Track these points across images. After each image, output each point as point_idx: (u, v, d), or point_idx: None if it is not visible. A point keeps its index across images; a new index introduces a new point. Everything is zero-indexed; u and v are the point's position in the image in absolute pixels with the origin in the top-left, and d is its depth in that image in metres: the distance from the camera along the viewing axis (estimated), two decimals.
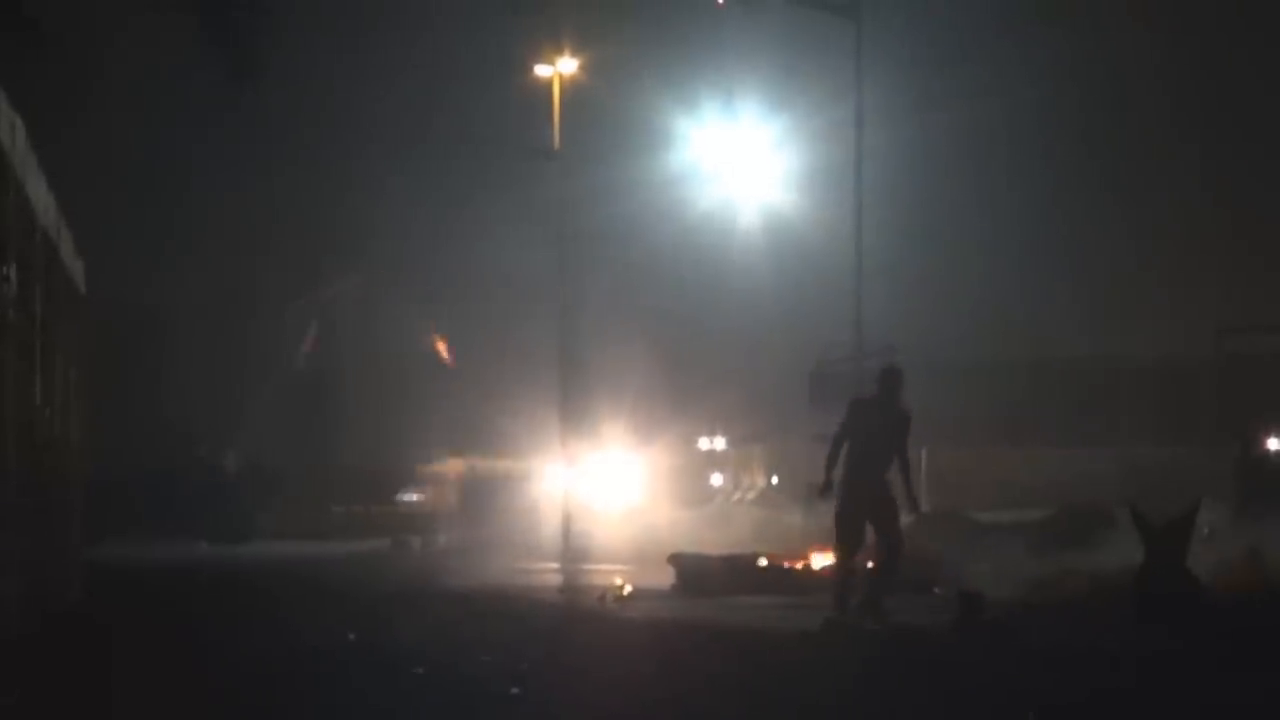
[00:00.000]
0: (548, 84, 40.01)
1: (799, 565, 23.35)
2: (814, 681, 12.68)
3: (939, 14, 45.77)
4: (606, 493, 38.18)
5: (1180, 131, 45.30)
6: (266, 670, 12.65)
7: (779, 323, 43.88)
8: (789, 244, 41.31)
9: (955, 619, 16.47)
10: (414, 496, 42.94)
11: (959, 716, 11.03)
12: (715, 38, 41.73)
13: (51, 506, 16.01)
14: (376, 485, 45.28)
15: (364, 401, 48.30)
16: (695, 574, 22.72)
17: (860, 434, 16.79)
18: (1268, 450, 28.34)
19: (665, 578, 22.94)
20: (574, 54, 40.03)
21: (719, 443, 51.08)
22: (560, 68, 39.81)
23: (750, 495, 50.62)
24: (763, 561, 23.55)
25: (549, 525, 35.69)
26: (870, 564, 19.44)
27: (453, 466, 42.16)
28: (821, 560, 23.49)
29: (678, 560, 23.30)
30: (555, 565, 30.65)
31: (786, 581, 22.45)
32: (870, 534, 16.89)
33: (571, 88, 40.07)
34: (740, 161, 40.90)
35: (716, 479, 51.07)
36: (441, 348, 41.29)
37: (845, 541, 16.84)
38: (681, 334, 45.66)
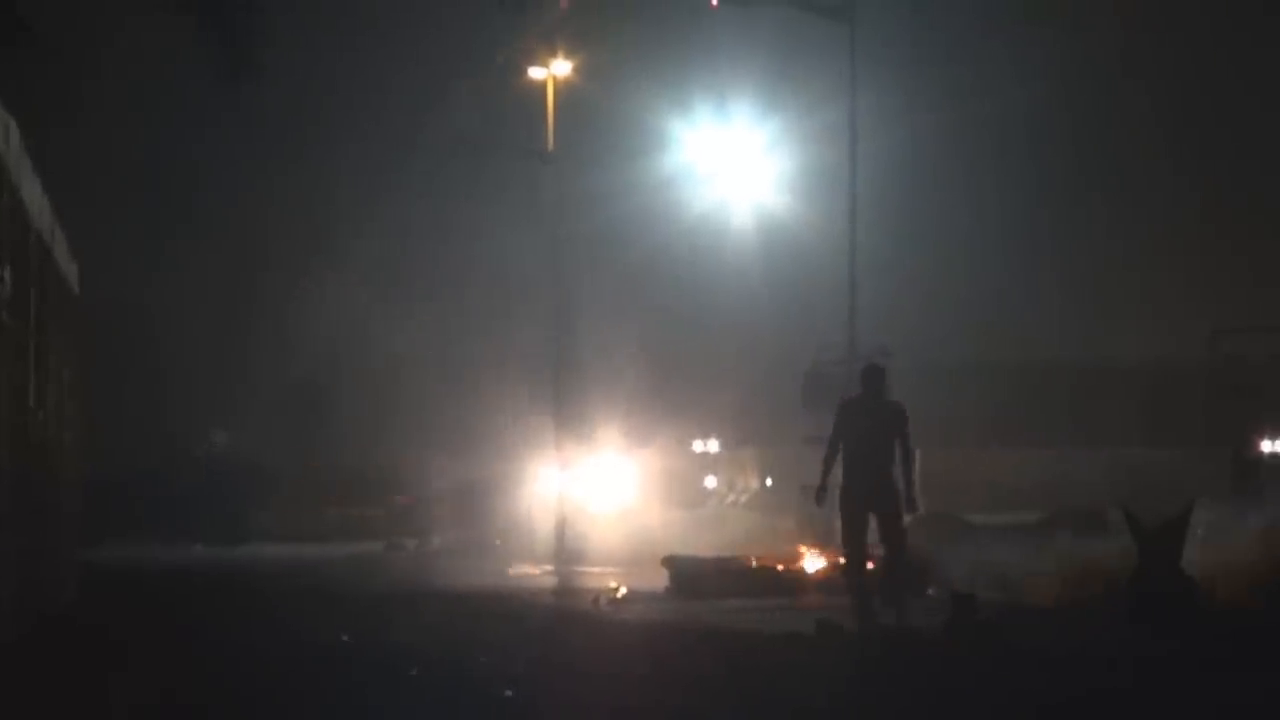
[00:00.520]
0: (542, 86, 40.01)
1: (792, 568, 23.35)
2: (807, 683, 12.68)
3: (932, 16, 45.79)
4: (600, 495, 38.14)
5: (1170, 132, 45.36)
6: (261, 671, 12.65)
7: (773, 325, 43.88)
8: (782, 246, 41.30)
9: (948, 620, 16.47)
10: (409, 498, 42.88)
11: (952, 717, 11.03)
12: (709, 40, 41.74)
13: (46, 508, 16.00)
14: (371, 487, 45.26)
15: (359, 403, 48.29)
16: (689, 576, 22.71)
17: (851, 435, 16.82)
18: (1261, 453, 28.36)
19: (659, 580, 22.94)
20: (568, 56, 40.02)
21: (713, 445, 51.04)
22: (554, 70, 39.80)
23: (744, 498, 50.59)
24: (756, 564, 23.55)
25: (543, 527, 35.67)
26: (870, 565, 19.46)
27: (447, 468, 42.14)
28: (814, 563, 23.50)
29: (672, 563, 23.29)
30: (549, 567, 30.64)
31: (780, 584, 22.46)
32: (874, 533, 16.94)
33: (566, 90, 40.06)
34: (734, 164, 40.90)
35: (710, 481, 51.03)
36: None
37: (852, 544, 16.85)
38: (675, 336, 45.67)
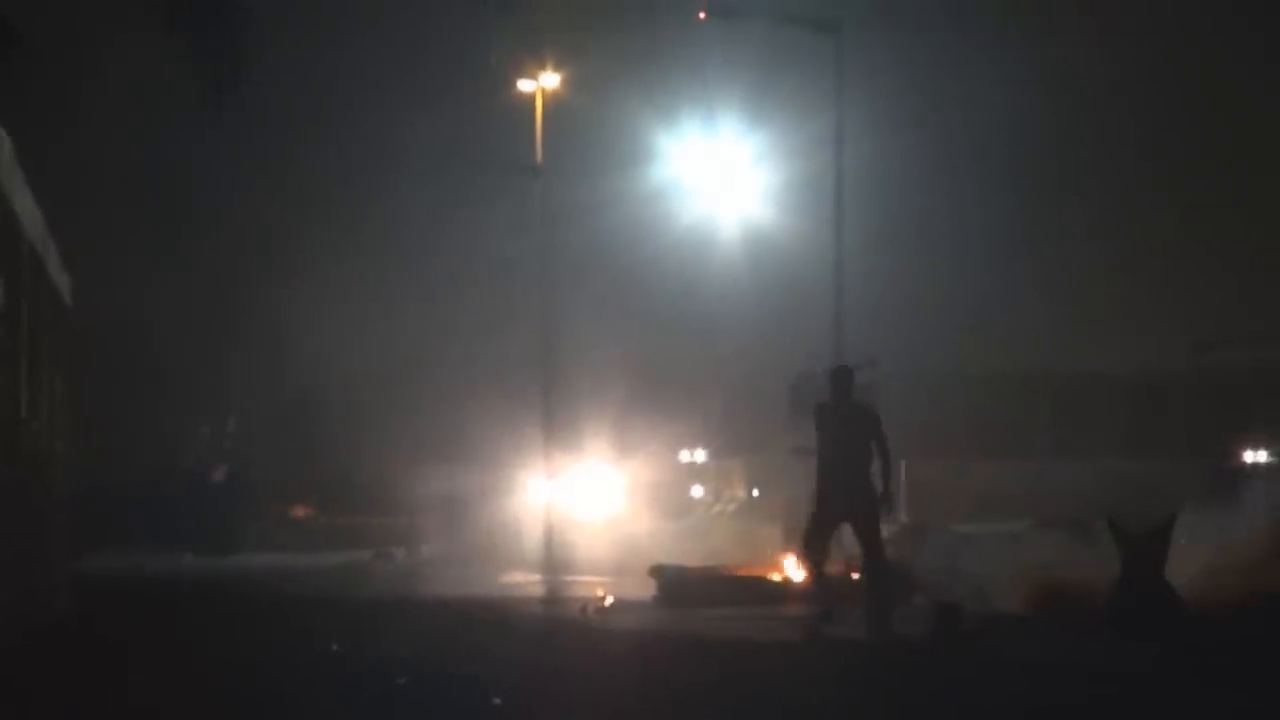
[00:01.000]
0: (531, 99, 40.06)
1: (778, 577, 23.37)
2: (794, 692, 12.69)
3: (918, 30, 45.86)
4: (588, 504, 38.17)
5: (1151, 144, 45.43)
6: (251, 681, 12.64)
7: (759, 335, 43.89)
8: (769, 257, 41.33)
9: (933, 629, 16.49)
10: (397, 508, 42.87)
11: None
12: (696, 53, 41.75)
13: (38, 518, 15.98)
14: (360, 497, 45.25)
15: (348, 414, 48.27)
16: (676, 585, 22.74)
17: (825, 438, 16.80)
18: (1243, 463, 28.42)
19: (646, 589, 22.96)
20: (556, 69, 40.07)
21: (699, 455, 51.08)
22: (543, 83, 39.85)
23: (730, 508, 50.59)
24: (743, 573, 23.57)
25: (531, 536, 35.69)
26: (855, 575, 19.46)
27: (436, 478, 42.13)
28: (801, 572, 23.54)
29: (658, 572, 23.32)
30: (537, 576, 30.65)
31: (766, 593, 22.47)
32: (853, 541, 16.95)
33: (554, 103, 40.11)
34: (721, 176, 40.97)
35: (697, 491, 51.08)
36: None
37: (812, 546, 16.80)
38: (663, 346, 45.67)
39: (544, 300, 39.91)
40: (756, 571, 23.90)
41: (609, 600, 22.14)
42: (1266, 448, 27.00)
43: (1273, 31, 42.48)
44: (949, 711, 11.65)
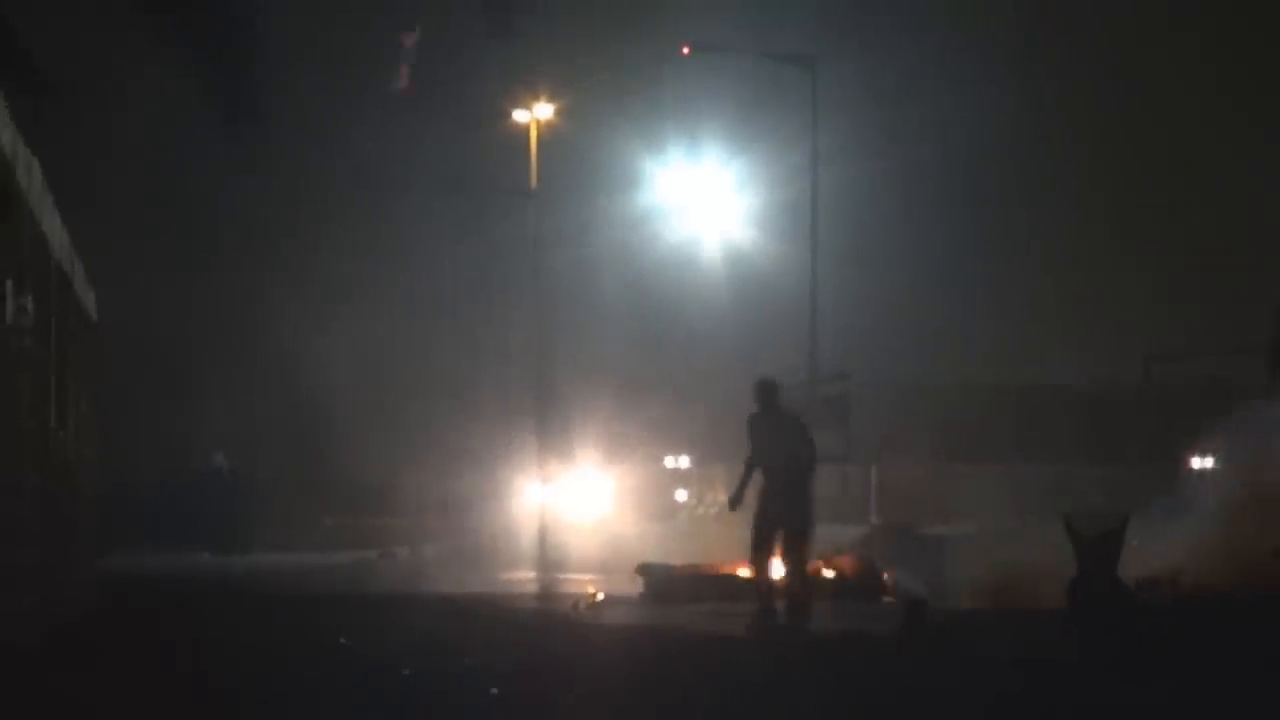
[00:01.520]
0: (525, 128, 40.14)
1: (806, 573, 23.36)
2: (767, 681, 12.73)
3: (888, 65, 45.90)
4: (580, 507, 38.15)
5: (1106, 172, 45.51)
6: (266, 671, 12.65)
7: (739, 350, 43.87)
8: (748, 277, 41.40)
9: (901, 625, 16.51)
10: (402, 509, 42.82)
11: (904, 716, 11.07)
12: (681, 86, 41.82)
13: (66, 520, 16.00)
14: (366, 499, 45.19)
15: (355, 422, 48.21)
16: (661, 583, 22.74)
17: (758, 451, 16.77)
18: (1192, 469, 28.46)
19: (634, 586, 22.96)
20: (550, 100, 40.13)
21: (683, 461, 51.07)
22: (537, 113, 39.92)
23: (712, 510, 50.56)
24: (724, 572, 23.56)
25: (527, 537, 35.67)
26: (827, 573, 19.48)
27: (437, 482, 42.09)
28: (779, 570, 23.54)
29: (645, 570, 23.32)
30: (532, 574, 30.64)
31: (745, 590, 22.48)
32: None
33: (548, 132, 40.18)
34: (703, 201, 41.08)
35: (681, 495, 51.07)
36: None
37: (756, 557, 16.80)
38: (649, 360, 45.63)
39: (538, 316, 39.96)
40: (736, 570, 23.90)
41: (599, 596, 22.15)
42: (1212, 454, 27.07)
43: (1219, 63, 42.60)
44: (915, 701, 11.68)
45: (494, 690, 11.43)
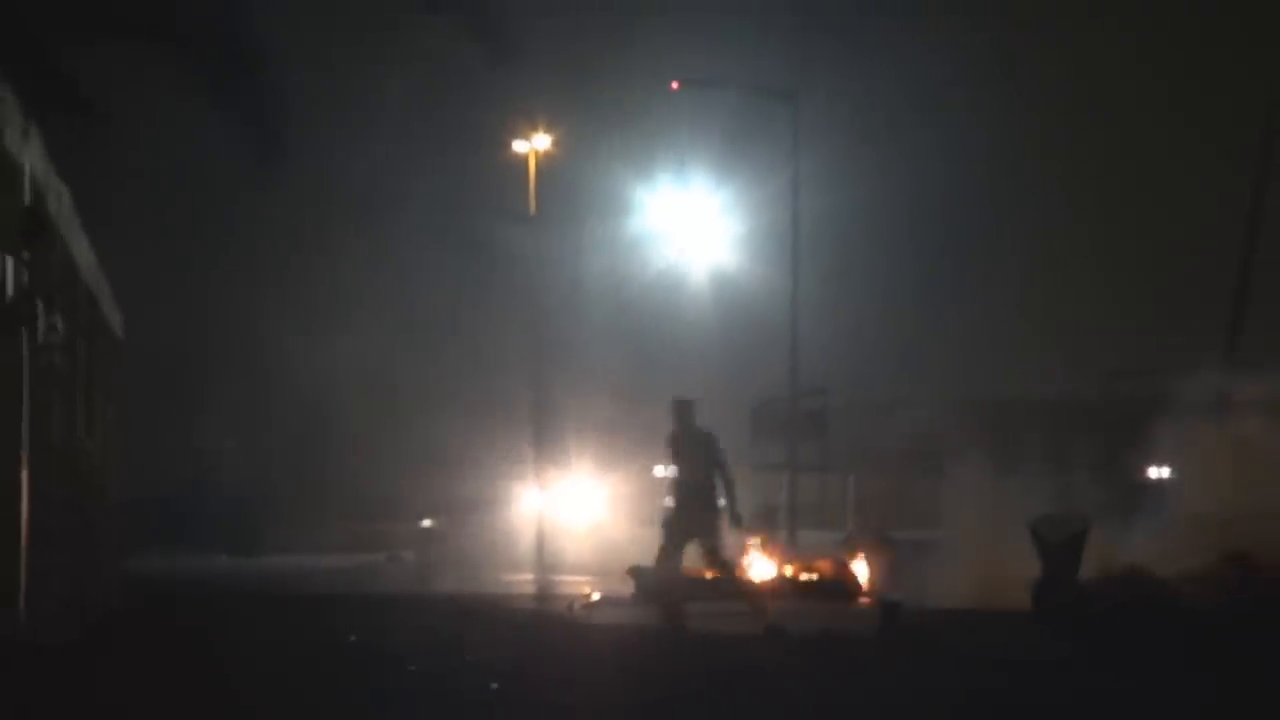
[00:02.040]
0: (524, 158, 40.20)
1: (740, 577, 23.38)
2: (755, 678, 12.74)
3: (865, 98, 46.03)
4: (575, 513, 38.16)
5: (1071, 200, 45.66)
6: (279, 667, 12.66)
7: (725, 367, 43.93)
8: (733, 297, 41.44)
9: (878, 625, 16.54)
10: (408, 515, 42.81)
11: (880, 711, 11.10)
12: (670, 118, 41.88)
13: (92, 525, 16.01)
14: (374, 505, 45.17)
15: (363, 432, 48.20)
16: (651, 584, 22.75)
17: (677, 466, 16.76)
18: (1148, 478, 28.50)
19: (625, 587, 22.98)
20: (548, 131, 40.18)
21: (672, 471, 51.11)
22: (535, 143, 39.99)
23: None
24: (708, 574, 23.57)
25: (525, 541, 35.66)
26: (803, 577, 19.47)
27: (442, 489, 42.10)
28: (761, 573, 23.56)
29: (636, 572, 23.32)
30: (530, 576, 30.63)
31: (731, 591, 22.48)
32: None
33: (545, 161, 40.23)
34: (691, 225, 41.13)
35: (669, 502, 51.10)
36: None
37: (666, 564, 16.81)
38: (640, 376, 45.65)
39: (536, 333, 39.99)
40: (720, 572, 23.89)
41: (593, 597, 22.16)
42: (1168, 465, 27.14)
43: (1188, 98, 42.74)
44: (891, 695, 11.71)
45: (494, 685, 11.45)
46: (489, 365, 45.05)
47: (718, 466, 16.64)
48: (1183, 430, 20.92)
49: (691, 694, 11.67)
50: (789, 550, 27.28)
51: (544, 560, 33.34)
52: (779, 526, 34.37)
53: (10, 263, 10.42)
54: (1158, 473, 28.24)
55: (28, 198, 11.02)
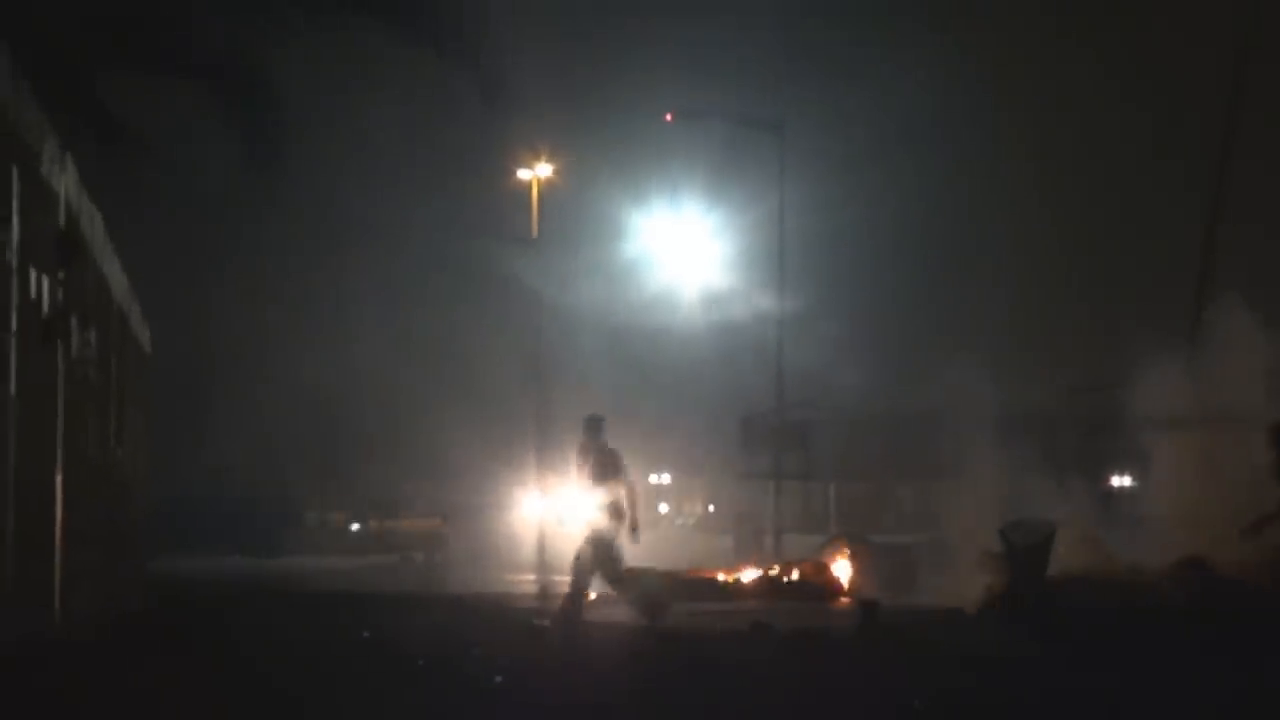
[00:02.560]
0: (527, 185, 40.29)
1: (729, 579, 23.45)
2: (743, 672, 12.79)
3: (848, 128, 46.15)
4: (574, 517, 38.18)
5: (1040, 227, 45.75)
6: (296, 662, 12.69)
7: (716, 380, 44.04)
8: (724, 316, 41.51)
9: (857, 623, 16.59)
10: (418, 518, 42.86)
11: (859, 704, 11.14)
12: (664, 147, 42.01)
13: (120, 528, 16.05)
14: (386, 509, 45.21)
15: (374, 440, 48.27)
16: (645, 585, 22.77)
17: (581, 473, 16.79)
18: (1112, 486, 28.57)
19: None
20: (549, 160, 40.27)
21: (665, 478, 51.18)
22: (538, 171, 40.08)
23: (691, 521, 50.69)
24: (701, 575, 23.64)
25: (527, 543, 35.68)
26: (787, 578, 19.46)
27: (450, 494, 42.13)
28: (749, 575, 23.62)
29: (631, 574, 23.34)
30: (532, 576, 30.65)
31: (719, 592, 22.55)
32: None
33: (547, 188, 40.31)
34: (684, 247, 41.22)
35: (663, 507, 51.15)
36: None
37: (578, 568, 16.90)
38: (636, 390, 45.72)
39: (538, 348, 40.02)
40: (710, 574, 23.98)
41: (591, 596, 22.14)
42: (1129, 474, 27.23)
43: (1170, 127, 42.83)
44: (868, 690, 11.75)
45: (498, 678, 11.50)
46: (493, 379, 45.11)
47: (622, 479, 16.70)
48: (1142, 441, 21.00)
49: (680, 686, 11.72)
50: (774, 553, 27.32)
51: (545, 561, 33.37)
52: (758, 530, 34.46)
53: (47, 282, 10.47)
54: (1119, 480, 28.34)
55: (63, 220, 11.08)
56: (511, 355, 43.77)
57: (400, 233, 47.45)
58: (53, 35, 13.10)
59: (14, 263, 9.11)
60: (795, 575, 23.09)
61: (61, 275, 10.96)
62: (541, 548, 34.75)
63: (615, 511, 16.62)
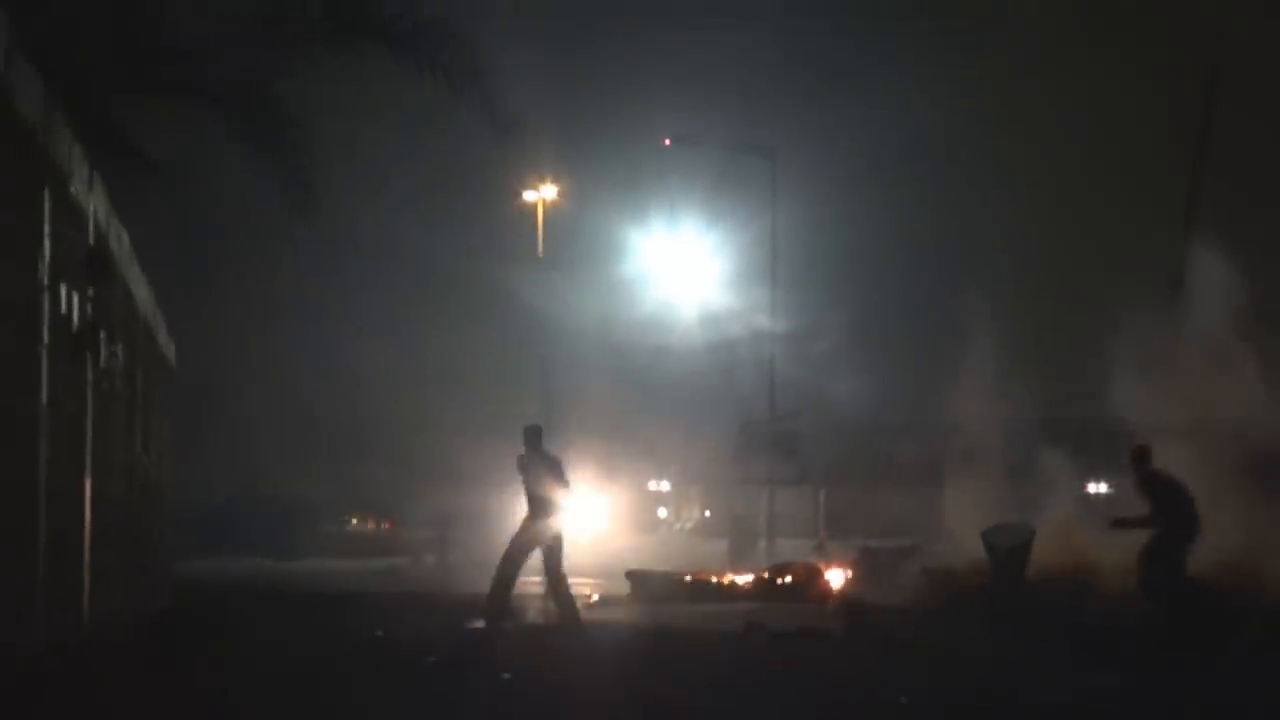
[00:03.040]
0: (532, 207, 40.35)
1: (724, 580, 23.42)
2: (736, 668, 12.78)
3: (836, 153, 46.21)
4: (578, 522, 38.14)
5: (1014, 251, 45.73)
6: (314, 658, 12.68)
7: (713, 392, 44.00)
8: (720, 331, 41.54)
9: (844, 621, 16.57)
10: (428, 522, 42.78)
11: (844, 699, 11.13)
12: (663, 171, 42.05)
13: (147, 532, 16.04)
14: (398, 514, 45.17)
15: (388, 449, 48.24)
16: (646, 586, 22.82)
17: (526, 481, 16.72)
18: (1087, 493, 28.61)
19: (623, 588, 23.00)
20: (554, 183, 40.34)
21: (664, 484, 51.16)
22: (543, 194, 40.13)
23: (689, 525, 50.66)
24: (698, 577, 23.61)
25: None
26: (778, 581, 19.40)
27: (459, 499, 42.10)
28: (743, 577, 23.58)
29: (633, 575, 23.39)
30: (537, 578, 30.57)
31: (714, 593, 22.53)
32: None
33: (552, 209, 40.38)
34: (681, 266, 41.26)
35: (662, 512, 51.13)
36: None
37: (509, 566, 16.67)
38: (637, 400, 45.70)
39: (544, 363, 40.06)
40: (708, 575, 23.95)
41: (594, 597, 22.19)
42: (1105, 481, 27.25)
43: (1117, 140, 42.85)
44: (855, 684, 11.74)
45: (506, 675, 11.48)
46: (503, 391, 45.10)
47: (563, 484, 16.67)
48: (1117, 448, 21.00)
49: (679, 680, 11.70)
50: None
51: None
52: (752, 534, 34.41)
53: (77, 297, 10.46)
54: (1095, 487, 28.35)
55: (92, 239, 11.08)
56: (516, 368, 43.77)
57: (411, 254, 47.46)
58: (76, 64, 13.08)
59: (45, 279, 9.09)
60: (788, 578, 23.03)
61: (91, 291, 10.95)
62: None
63: (550, 514, 16.55)
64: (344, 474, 47.10)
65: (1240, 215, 29.75)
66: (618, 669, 12.81)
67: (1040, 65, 44.51)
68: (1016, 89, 44.87)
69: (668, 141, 37.38)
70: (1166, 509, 15.28)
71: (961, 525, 21.04)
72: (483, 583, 17.20)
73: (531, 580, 25.11)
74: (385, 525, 43.23)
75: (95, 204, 11.12)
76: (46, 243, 9.09)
